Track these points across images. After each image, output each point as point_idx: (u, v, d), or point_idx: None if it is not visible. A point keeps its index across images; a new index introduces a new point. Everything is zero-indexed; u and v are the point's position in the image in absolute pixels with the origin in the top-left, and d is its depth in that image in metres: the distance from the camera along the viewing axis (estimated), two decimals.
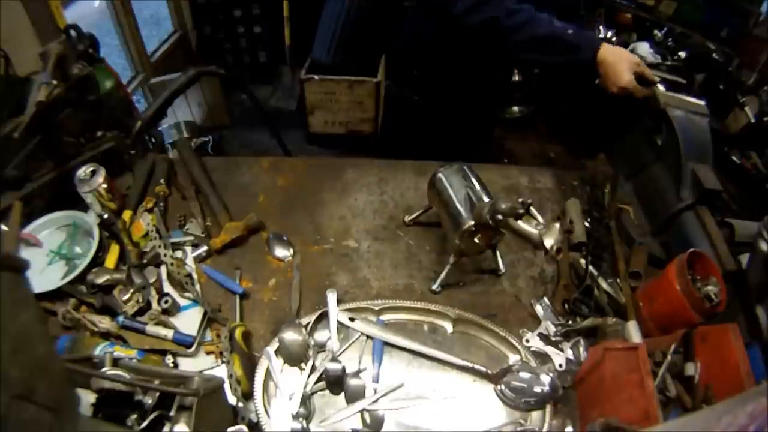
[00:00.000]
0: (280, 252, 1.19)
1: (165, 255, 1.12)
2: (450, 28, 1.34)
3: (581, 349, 1.03)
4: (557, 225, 0.93)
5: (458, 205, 1.06)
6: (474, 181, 1.10)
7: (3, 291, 0.49)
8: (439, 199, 1.11)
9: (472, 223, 1.02)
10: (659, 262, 1.19)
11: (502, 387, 0.95)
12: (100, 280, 1.06)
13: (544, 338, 1.05)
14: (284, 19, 3.15)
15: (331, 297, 1.07)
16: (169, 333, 0.99)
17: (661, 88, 1.28)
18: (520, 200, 0.94)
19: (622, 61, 1.22)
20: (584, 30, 1.28)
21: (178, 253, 1.15)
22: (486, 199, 1.04)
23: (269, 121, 2.18)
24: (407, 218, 1.27)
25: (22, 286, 0.53)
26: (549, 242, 0.91)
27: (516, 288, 1.16)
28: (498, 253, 1.17)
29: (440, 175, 1.12)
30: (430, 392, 0.96)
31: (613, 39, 2.48)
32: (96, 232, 1.15)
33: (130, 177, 1.32)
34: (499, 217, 0.94)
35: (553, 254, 0.92)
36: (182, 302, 1.07)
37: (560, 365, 1.00)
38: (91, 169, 1.18)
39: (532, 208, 0.94)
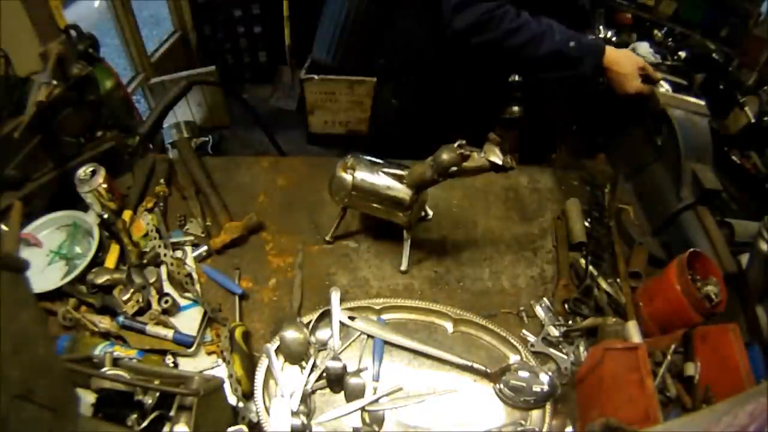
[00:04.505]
0: None
1: (165, 255, 1.12)
2: (442, 42, 1.30)
3: (581, 349, 1.03)
4: (491, 144, 0.97)
5: (387, 187, 1.08)
6: (376, 159, 1.11)
7: (3, 291, 0.49)
8: (360, 195, 1.10)
9: (412, 192, 1.06)
10: (659, 262, 1.19)
11: (501, 386, 0.95)
12: (100, 280, 1.06)
13: (545, 340, 1.05)
14: (284, 19, 3.15)
15: (335, 295, 1.07)
16: (169, 333, 0.99)
17: (665, 87, 1.28)
18: (456, 144, 0.97)
19: (628, 67, 1.22)
20: (586, 38, 1.24)
21: (178, 253, 1.15)
22: (399, 171, 1.07)
23: (262, 124, 2.18)
24: (327, 237, 1.22)
25: (22, 286, 0.53)
26: (496, 159, 0.95)
27: (516, 288, 1.16)
28: (407, 246, 1.19)
29: (344, 174, 1.10)
30: (430, 391, 0.96)
31: (613, 39, 2.48)
32: (96, 232, 1.15)
33: (130, 177, 1.32)
34: (454, 169, 0.96)
35: (510, 164, 0.96)
36: (182, 302, 1.07)
37: (565, 368, 1.00)
38: (91, 169, 1.18)
39: (464, 143, 0.98)
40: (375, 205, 1.12)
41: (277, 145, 2.20)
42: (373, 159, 1.12)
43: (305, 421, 0.89)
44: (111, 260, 1.13)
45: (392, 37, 1.59)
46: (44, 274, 1.11)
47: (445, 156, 0.97)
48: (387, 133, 1.67)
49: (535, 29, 1.20)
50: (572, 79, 1.28)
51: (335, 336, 1.02)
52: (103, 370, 0.77)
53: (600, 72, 1.23)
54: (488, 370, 0.97)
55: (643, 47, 2.30)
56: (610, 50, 1.22)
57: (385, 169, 1.09)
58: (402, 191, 1.07)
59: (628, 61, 1.23)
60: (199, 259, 1.17)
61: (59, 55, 1.20)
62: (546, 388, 0.94)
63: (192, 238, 1.20)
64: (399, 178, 1.08)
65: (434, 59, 1.41)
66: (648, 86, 1.24)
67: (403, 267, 1.17)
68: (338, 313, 1.05)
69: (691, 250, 1.01)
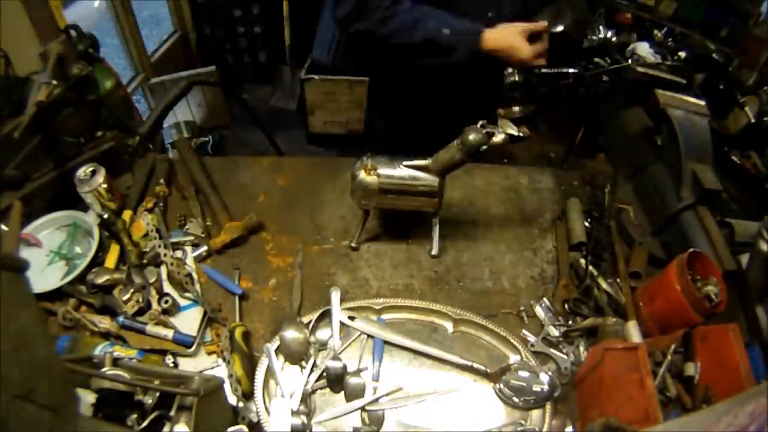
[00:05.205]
0: None
1: (165, 255, 1.12)
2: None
3: (581, 349, 1.03)
4: (503, 120, 1.02)
5: (413, 178, 1.08)
6: (394, 157, 1.11)
7: (3, 291, 0.49)
8: (388, 194, 1.10)
9: (439, 179, 1.07)
10: (659, 262, 1.19)
11: (501, 386, 0.95)
12: (100, 280, 1.06)
13: (545, 340, 1.05)
14: (284, 19, 3.15)
15: (335, 295, 1.07)
16: (169, 333, 0.99)
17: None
18: (480, 123, 1.00)
19: (509, 40, 1.15)
20: (464, 25, 1.17)
21: (178, 253, 1.15)
22: (420, 162, 1.08)
23: (261, 124, 2.18)
24: (353, 243, 1.22)
25: (22, 286, 0.53)
26: (513, 131, 1.00)
27: (516, 288, 1.16)
28: (436, 231, 1.22)
29: (368, 178, 1.09)
30: (430, 391, 0.96)
31: (613, 39, 2.48)
32: (96, 232, 1.15)
33: (130, 177, 1.32)
34: (484, 147, 1.00)
35: (526, 133, 0.99)
36: (182, 302, 1.07)
37: (565, 368, 1.00)
38: (91, 169, 1.18)
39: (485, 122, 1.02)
40: (404, 199, 1.12)
41: (275, 146, 2.20)
42: (388, 156, 1.12)
43: (305, 421, 0.89)
44: (111, 260, 1.12)
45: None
46: (44, 274, 1.11)
47: (472, 137, 1.00)
48: (381, 134, 1.64)
49: (406, 16, 1.17)
50: (449, 67, 1.22)
51: (335, 336, 1.02)
52: (103, 370, 0.76)
53: (477, 58, 1.17)
54: (488, 370, 0.97)
55: (643, 47, 2.31)
56: (488, 33, 1.16)
57: (406, 162, 1.09)
58: (428, 179, 1.08)
59: (507, 33, 1.16)
60: (199, 259, 1.17)
61: (59, 55, 1.20)
62: (546, 388, 0.94)
63: (192, 238, 1.19)
64: (422, 168, 1.08)
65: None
66: (542, 45, 1.16)
67: (434, 251, 1.20)
68: (338, 313, 1.05)
69: (691, 250, 1.01)
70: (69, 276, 1.07)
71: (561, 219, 1.29)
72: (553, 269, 1.20)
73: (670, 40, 2.42)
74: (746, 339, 0.89)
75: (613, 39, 2.46)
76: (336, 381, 0.96)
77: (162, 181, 1.30)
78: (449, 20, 1.17)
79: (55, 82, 1.15)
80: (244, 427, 0.85)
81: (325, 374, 0.96)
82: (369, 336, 1.03)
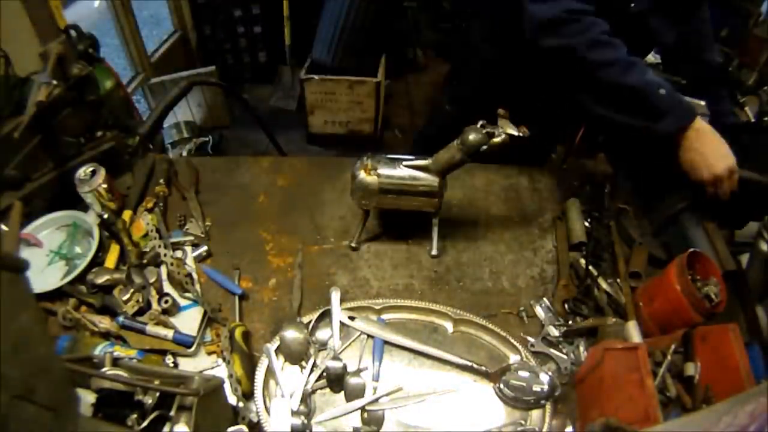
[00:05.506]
0: None
1: (165, 255, 1.12)
2: (514, 57, 1.23)
3: (581, 349, 1.03)
4: (503, 119, 1.04)
5: (413, 178, 1.10)
6: (392, 156, 1.12)
7: (3, 291, 0.49)
8: (388, 194, 1.11)
9: (439, 179, 1.09)
10: (659, 262, 1.19)
11: (501, 386, 0.95)
12: (100, 280, 1.06)
13: (545, 340, 1.05)
14: (284, 19, 3.15)
15: (335, 295, 1.07)
16: (169, 333, 0.99)
17: None
18: (480, 123, 1.03)
19: (720, 149, 1.03)
20: (679, 94, 1.04)
21: (178, 253, 1.15)
22: (420, 162, 1.10)
23: (262, 124, 2.18)
24: (353, 243, 1.22)
25: (22, 286, 0.53)
26: (513, 131, 1.02)
27: (516, 288, 1.16)
28: (435, 231, 1.21)
29: (368, 177, 1.09)
30: (430, 391, 0.96)
31: None
32: (96, 232, 1.15)
33: (130, 177, 1.32)
34: (484, 147, 1.02)
35: (525, 133, 1.02)
36: (182, 302, 1.07)
37: (565, 368, 1.00)
38: (91, 169, 1.18)
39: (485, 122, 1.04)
40: (404, 199, 1.13)
41: (277, 145, 2.20)
42: (389, 156, 1.13)
43: (305, 421, 0.90)
44: (111, 260, 1.12)
45: (463, 49, 1.54)
46: (44, 274, 1.11)
47: (472, 137, 1.01)
48: (436, 133, 1.61)
49: (625, 55, 1.04)
50: (636, 131, 1.06)
51: (335, 336, 1.02)
52: (103, 370, 0.77)
53: (675, 139, 1.05)
54: (488, 370, 0.97)
55: None
56: (702, 122, 1.04)
57: (406, 162, 1.10)
58: (428, 179, 1.09)
59: (722, 142, 1.03)
60: (199, 259, 1.17)
61: (59, 55, 1.20)
62: (546, 388, 0.94)
63: (192, 238, 1.20)
64: (422, 168, 1.09)
65: (495, 71, 1.35)
66: (732, 183, 1.05)
67: (434, 251, 1.20)
68: (338, 313, 1.05)
69: (691, 250, 1.01)
70: (69, 276, 1.07)
71: (561, 219, 1.29)
72: (553, 269, 1.20)
73: None
74: (746, 339, 0.89)
75: None
76: (336, 381, 0.96)
77: (162, 181, 1.30)
78: (665, 83, 1.04)
79: (55, 82, 1.15)
80: (244, 427, 0.85)
81: (325, 374, 0.96)
82: (369, 336, 1.03)
